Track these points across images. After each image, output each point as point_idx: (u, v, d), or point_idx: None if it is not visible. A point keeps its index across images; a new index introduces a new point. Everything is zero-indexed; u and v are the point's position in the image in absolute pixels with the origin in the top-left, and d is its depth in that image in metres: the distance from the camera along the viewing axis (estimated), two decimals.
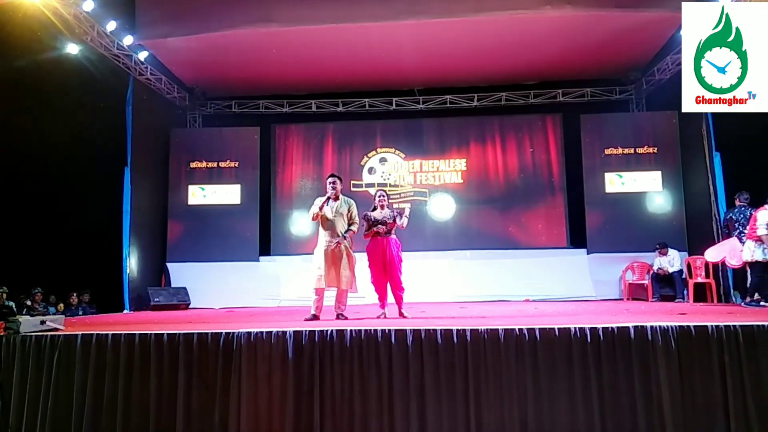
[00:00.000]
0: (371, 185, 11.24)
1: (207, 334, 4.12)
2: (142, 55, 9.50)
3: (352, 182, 11.30)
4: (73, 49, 8.61)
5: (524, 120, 11.41)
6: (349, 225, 5.86)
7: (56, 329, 4.48)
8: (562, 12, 8.51)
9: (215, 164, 11.15)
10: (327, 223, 5.74)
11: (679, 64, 9.44)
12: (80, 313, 8.89)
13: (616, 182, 10.58)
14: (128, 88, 9.70)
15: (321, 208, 5.72)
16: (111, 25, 8.63)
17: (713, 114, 9.02)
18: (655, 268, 9.38)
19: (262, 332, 4.08)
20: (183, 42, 9.21)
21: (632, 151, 10.58)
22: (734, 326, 3.87)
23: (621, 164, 10.58)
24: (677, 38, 9.08)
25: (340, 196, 5.85)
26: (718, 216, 9.02)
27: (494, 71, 10.69)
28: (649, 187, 10.49)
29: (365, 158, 11.46)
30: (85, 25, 8.30)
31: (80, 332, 4.26)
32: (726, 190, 8.93)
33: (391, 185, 11.20)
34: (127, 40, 9.00)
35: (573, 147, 10.95)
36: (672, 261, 9.29)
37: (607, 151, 10.61)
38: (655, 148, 10.52)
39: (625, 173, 10.55)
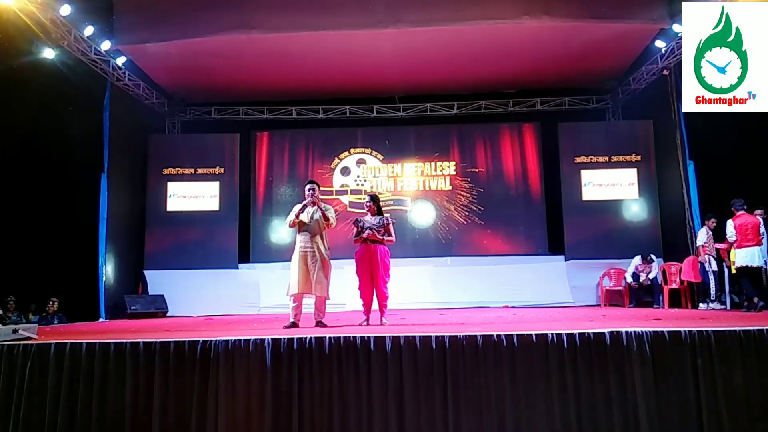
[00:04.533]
0: (344, 192, 11.29)
1: (184, 342, 4.08)
2: (120, 61, 9.42)
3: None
4: (49, 53, 8.49)
5: (503, 128, 11.53)
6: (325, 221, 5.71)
7: (29, 338, 4.40)
8: (539, 22, 8.63)
9: (193, 170, 11.06)
10: (303, 229, 5.72)
11: (654, 74, 9.69)
12: (55, 321, 8.72)
13: (592, 190, 10.74)
14: (105, 94, 9.58)
15: (298, 215, 5.70)
16: (88, 30, 8.54)
17: (687, 123, 9.21)
18: (629, 272, 9.35)
19: (240, 340, 4.05)
20: (162, 48, 9.12)
21: (608, 159, 10.77)
22: (707, 331, 3.95)
23: (598, 172, 10.75)
24: (652, 49, 9.28)
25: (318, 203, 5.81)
26: (692, 223, 9.19)
27: (474, 80, 10.80)
28: (626, 195, 10.68)
29: (336, 159, 11.50)
30: (62, 29, 8.20)
31: (54, 341, 4.18)
32: (700, 198, 9.10)
33: (367, 192, 11.14)
34: (105, 45, 8.91)
35: (551, 155, 11.11)
36: (650, 269, 9.36)
37: (584, 159, 10.78)
38: (631, 157, 10.72)
39: (601, 181, 10.72)
